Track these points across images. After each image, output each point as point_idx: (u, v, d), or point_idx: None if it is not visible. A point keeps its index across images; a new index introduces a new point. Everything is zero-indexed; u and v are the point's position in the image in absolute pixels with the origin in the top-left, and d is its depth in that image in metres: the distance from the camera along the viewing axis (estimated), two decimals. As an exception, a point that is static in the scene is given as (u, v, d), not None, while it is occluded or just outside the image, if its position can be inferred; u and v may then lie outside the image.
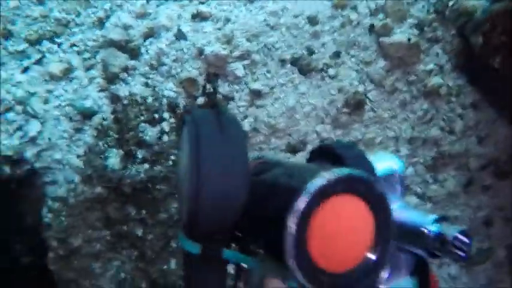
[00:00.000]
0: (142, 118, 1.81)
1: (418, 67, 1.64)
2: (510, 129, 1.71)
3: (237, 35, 1.73)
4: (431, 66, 1.65)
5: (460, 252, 0.58)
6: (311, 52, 1.63)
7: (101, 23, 1.98)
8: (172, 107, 1.80)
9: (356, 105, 1.55)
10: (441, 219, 0.61)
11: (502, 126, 1.71)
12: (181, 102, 1.79)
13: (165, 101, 1.82)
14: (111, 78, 1.90)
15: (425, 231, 0.60)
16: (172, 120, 1.78)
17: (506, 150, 1.72)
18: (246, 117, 1.66)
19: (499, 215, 1.77)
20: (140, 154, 1.74)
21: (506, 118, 1.62)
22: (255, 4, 1.77)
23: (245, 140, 0.63)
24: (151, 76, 1.86)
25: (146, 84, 1.85)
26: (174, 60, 1.82)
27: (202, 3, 1.87)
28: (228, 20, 1.78)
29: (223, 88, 1.72)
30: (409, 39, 1.56)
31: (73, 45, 1.89)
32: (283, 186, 0.52)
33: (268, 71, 1.67)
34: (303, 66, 1.61)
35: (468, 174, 1.73)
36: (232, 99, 1.70)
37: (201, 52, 1.75)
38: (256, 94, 1.64)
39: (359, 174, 0.49)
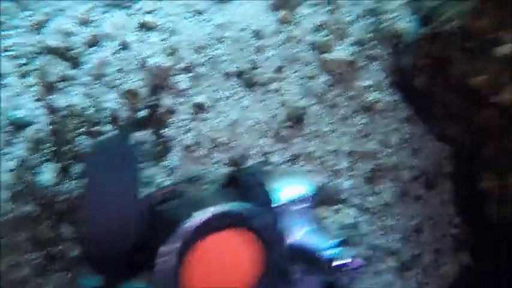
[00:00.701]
0: (81, 130, 1.61)
1: (357, 83, 1.59)
2: (439, 143, 1.70)
3: (183, 47, 1.59)
4: (369, 82, 1.60)
5: (350, 274, 0.59)
6: (255, 66, 1.53)
7: (39, 28, 1.75)
8: (115, 119, 1.61)
9: (298, 119, 1.47)
10: (340, 244, 0.62)
11: (431, 140, 1.70)
12: (124, 114, 1.60)
13: (107, 112, 1.62)
14: (49, 87, 1.68)
15: (320, 256, 0.61)
16: (113, 132, 1.59)
17: (435, 162, 1.71)
18: (188, 130, 1.52)
19: (429, 223, 1.75)
20: (78, 168, 1.53)
21: (435, 133, 1.60)
22: (202, 16, 1.65)
23: (137, 172, 0.59)
24: (93, 86, 1.66)
25: (87, 95, 1.65)
26: (118, 71, 1.64)
27: (149, 13, 1.70)
28: (174, 32, 1.63)
29: (167, 100, 1.56)
30: (350, 55, 1.50)
31: (6, 49, 1.63)
32: (169, 220, 0.51)
33: (213, 84, 1.53)
34: (247, 80, 1.50)
35: (403, 185, 1.69)
36: (176, 112, 1.55)
37: (145, 63, 1.58)
38: (200, 107, 1.52)
39: (237, 210, 0.49)
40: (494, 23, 1.01)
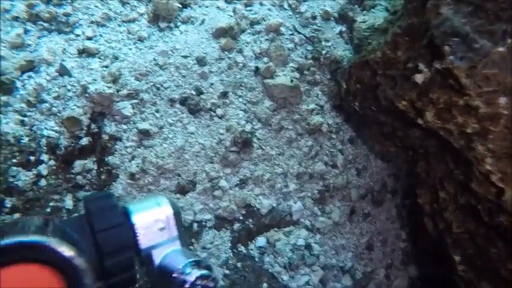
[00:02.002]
0: (14, 161, 1.49)
1: (301, 107, 1.65)
2: (381, 162, 1.79)
3: (125, 74, 1.57)
4: (312, 106, 1.67)
5: None
6: (200, 92, 1.54)
7: (-34, 53, 1.64)
8: (52, 148, 1.53)
9: (244, 143, 1.48)
10: (193, 263, 0.62)
11: (374, 159, 1.78)
12: (64, 142, 1.51)
13: (44, 141, 1.54)
14: (-23, 116, 1.56)
15: (175, 276, 0.60)
16: (52, 162, 1.52)
17: (379, 180, 1.79)
18: (133, 158, 1.47)
19: (378, 239, 1.81)
20: (9, 202, 1.41)
21: (376, 153, 1.69)
22: (145, 43, 1.64)
23: None
24: (28, 114, 1.57)
25: (22, 123, 1.55)
26: (56, 98, 1.57)
27: (90, 38, 1.67)
28: (116, 58, 1.61)
29: (110, 128, 1.51)
30: (292, 81, 1.55)
31: None
32: None
33: (157, 111, 1.53)
34: (191, 106, 1.51)
35: (351, 204, 1.75)
36: (120, 139, 1.50)
37: (85, 90, 1.52)
38: (145, 134, 1.48)
39: (32, 240, 0.44)
40: (409, 53, 1.11)
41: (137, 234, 0.63)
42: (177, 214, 0.67)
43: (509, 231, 1.00)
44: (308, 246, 1.67)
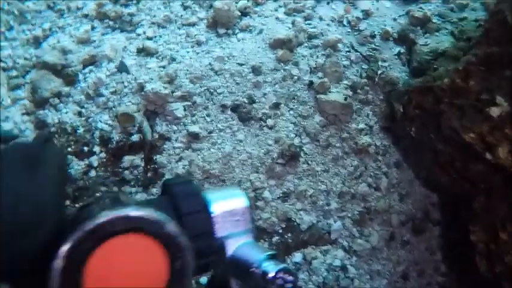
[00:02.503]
0: (69, 149, 1.55)
1: (350, 125, 1.62)
2: (426, 189, 1.72)
3: (181, 76, 1.60)
4: (362, 125, 1.64)
5: None
6: (252, 101, 1.55)
7: (36, 42, 1.75)
8: (105, 141, 1.58)
9: (291, 156, 1.47)
10: (270, 257, 0.61)
11: (418, 186, 1.72)
12: (115, 137, 1.56)
13: (97, 133, 1.59)
14: (40, 103, 1.67)
15: (253, 269, 0.60)
16: (102, 155, 1.57)
17: (422, 208, 1.72)
18: (180, 159, 1.50)
19: (415, 269, 1.73)
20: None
21: (422, 180, 1.63)
22: (202, 47, 1.68)
23: (55, 174, 0.51)
24: (86, 106, 1.63)
25: (79, 114, 1.62)
26: (113, 93, 1.62)
27: (150, 39, 1.72)
28: (173, 59, 1.65)
29: (161, 127, 1.54)
30: (345, 98, 1.53)
31: (-1, 60, 1.61)
32: (77, 220, 0.46)
33: (208, 115, 1.55)
34: (242, 114, 1.52)
35: (390, 229, 1.68)
36: (169, 139, 1.53)
37: (142, 88, 1.57)
38: (194, 137, 1.51)
39: (140, 214, 0.46)
40: (483, 84, 1.06)
41: (214, 223, 0.63)
42: (249, 207, 0.69)
43: None
44: (344, 268, 1.62)
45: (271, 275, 0.57)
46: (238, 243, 0.65)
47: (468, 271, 1.44)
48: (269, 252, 0.62)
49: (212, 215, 0.63)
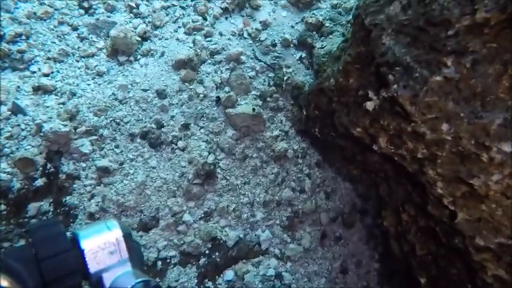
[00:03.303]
0: (-39, 208, 1.42)
1: (265, 134, 1.66)
2: (350, 183, 1.80)
3: (83, 110, 1.55)
4: (276, 132, 1.68)
5: None
6: (160, 125, 1.53)
7: None
8: (4, 191, 1.47)
9: (207, 175, 1.46)
10: (142, 284, 0.64)
11: (342, 181, 1.80)
12: (16, 184, 1.45)
13: (-5, 184, 1.47)
14: None
15: None
16: (2, 207, 1.44)
17: (348, 202, 1.80)
18: (92, 196, 1.43)
19: (352, 261, 1.80)
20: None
21: (345, 175, 1.70)
22: (104, 78, 1.64)
23: None
24: (-22, 156, 1.50)
25: (-29, 167, 1.48)
26: (9, 138, 1.52)
27: (46, 75, 1.64)
28: (73, 94, 1.60)
29: (67, 167, 1.47)
30: (253, 109, 1.56)
31: None
32: None
33: (117, 146, 1.51)
34: (152, 140, 1.49)
35: (321, 228, 1.74)
36: (78, 177, 1.46)
37: (40, 128, 1.48)
38: (104, 171, 1.45)
39: None
40: (360, 81, 1.15)
41: (86, 259, 0.65)
42: (127, 236, 0.70)
43: (464, 253, 1.02)
44: (279, 276, 1.64)
45: None
46: (115, 275, 0.67)
47: (392, 255, 1.53)
48: (141, 279, 0.64)
49: (82, 252, 0.64)
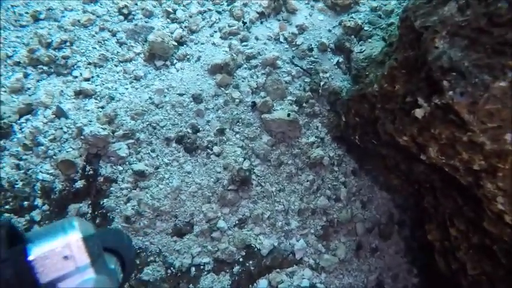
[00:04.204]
0: (7, 207, 1.46)
1: (300, 140, 1.61)
2: (387, 193, 1.71)
3: (121, 114, 1.56)
4: (312, 138, 1.63)
5: None
6: (196, 130, 1.52)
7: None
8: (47, 192, 1.50)
9: (242, 181, 1.43)
10: None
11: (379, 190, 1.71)
12: (58, 186, 1.48)
13: (38, 185, 1.51)
14: (-27, 162, 1.55)
15: None
16: (45, 207, 1.48)
17: (385, 212, 1.70)
18: (129, 200, 1.43)
19: (389, 274, 1.70)
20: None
21: (382, 184, 1.62)
22: (141, 82, 1.64)
23: None
24: (24, 157, 1.56)
25: (17, 167, 1.53)
26: (52, 140, 1.57)
27: (87, 80, 1.67)
28: (112, 98, 1.61)
29: (105, 169, 1.48)
30: (288, 114, 1.52)
31: None
32: None
33: (153, 150, 1.50)
34: (188, 145, 1.48)
35: (357, 238, 1.66)
36: (115, 181, 1.47)
37: (81, 132, 1.51)
38: (140, 175, 1.45)
39: None
40: (407, 87, 1.08)
41: (35, 268, 0.55)
42: (89, 238, 0.60)
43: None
44: (313, 287, 1.57)
45: None
46: (74, 284, 0.57)
47: (434, 270, 1.42)
48: None
49: (30, 259, 0.55)
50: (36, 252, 0.56)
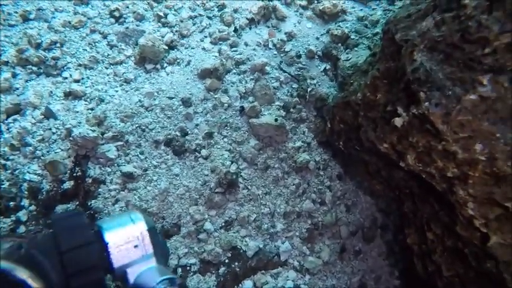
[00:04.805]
0: (-7, 207, 1.47)
1: (287, 145, 1.65)
2: (371, 197, 1.77)
3: (111, 116, 1.58)
4: (299, 143, 1.68)
5: None
6: (184, 133, 1.55)
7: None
8: (34, 193, 1.51)
9: (229, 184, 1.47)
10: (167, 281, 0.60)
11: (363, 194, 1.77)
12: (46, 186, 1.50)
13: (25, 185, 1.52)
14: (-41, 161, 1.55)
15: None
16: (32, 207, 1.49)
17: (369, 216, 1.77)
18: (117, 201, 1.46)
19: (371, 277, 1.76)
20: (-13, 251, 1.36)
21: (366, 189, 1.68)
22: (131, 85, 1.67)
23: None
24: (11, 157, 1.56)
25: (3, 167, 1.54)
26: (40, 141, 1.58)
27: (77, 81, 1.69)
28: (101, 100, 1.64)
29: (94, 171, 1.50)
30: (276, 120, 1.56)
31: None
32: None
33: (142, 153, 1.53)
34: (176, 148, 1.51)
35: (341, 241, 1.71)
36: (103, 182, 1.49)
37: (69, 133, 1.53)
38: (129, 177, 1.48)
39: None
40: (388, 97, 1.13)
41: (110, 253, 0.61)
42: (151, 230, 0.66)
43: (497, 279, 0.98)
44: (297, 288, 1.62)
45: None
46: (140, 270, 0.63)
47: (414, 273, 1.48)
48: (166, 276, 0.61)
49: (106, 245, 0.61)
50: (111, 239, 0.61)
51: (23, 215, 1.48)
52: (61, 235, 0.57)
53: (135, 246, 0.63)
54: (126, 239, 0.62)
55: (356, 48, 1.75)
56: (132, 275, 0.62)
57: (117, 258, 0.62)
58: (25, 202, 1.51)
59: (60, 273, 0.56)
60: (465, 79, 0.92)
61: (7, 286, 0.47)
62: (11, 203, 1.49)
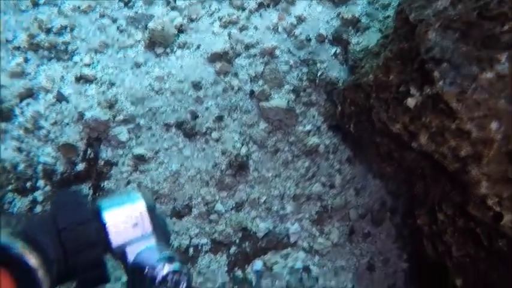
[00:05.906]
0: (10, 187, 1.49)
1: (297, 128, 1.65)
2: (380, 180, 1.77)
3: (122, 99, 1.59)
4: (309, 127, 1.67)
5: None
6: (195, 116, 1.56)
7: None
8: (49, 174, 1.54)
9: (240, 166, 1.48)
10: (166, 259, 0.60)
11: (373, 178, 1.77)
12: (60, 168, 1.52)
13: (40, 167, 1.54)
14: (-25, 143, 1.57)
15: (146, 273, 0.59)
16: (47, 188, 1.51)
17: (378, 199, 1.77)
18: (128, 183, 1.47)
19: (380, 259, 1.77)
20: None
21: (375, 172, 1.67)
22: (141, 69, 1.67)
23: None
24: (25, 140, 1.58)
25: (19, 149, 1.56)
26: (53, 124, 1.59)
27: (88, 65, 1.69)
28: (112, 84, 1.64)
29: (106, 153, 1.52)
30: (288, 103, 1.56)
31: None
32: None
33: (153, 135, 1.54)
34: (187, 130, 1.52)
35: (350, 224, 1.72)
36: (115, 164, 1.51)
37: (82, 116, 1.54)
38: (140, 159, 1.49)
39: None
40: (400, 77, 1.12)
41: (108, 232, 0.61)
42: (151, 209, 0.66)
43: (510, 257, 0.98)
44: (306, 269, 1.64)
45: (161, 275, 0.58)
46: (139, 249, 0.63)
47: (424, 255, 1.49)
48: (164, 254, 0.61)
49: (105, 224, 0.60)
50: (110, 217, 0.61)
51: (39, 195, 1.51)
52: (59, 213, 0.57)
53: (134, 225, 0.62)
54: (125, 218, 0.62)
55: (367, 32, 1.72)
56: (131, 253, 0.62)
57: (116, 237, 0.61)
58: (40, 183, 1.53)
59: (58, 250, 0.55)
60: (482, 57, 0.91)
61: (4, 261, 0.47)
62: (28, 183, 1.52)
